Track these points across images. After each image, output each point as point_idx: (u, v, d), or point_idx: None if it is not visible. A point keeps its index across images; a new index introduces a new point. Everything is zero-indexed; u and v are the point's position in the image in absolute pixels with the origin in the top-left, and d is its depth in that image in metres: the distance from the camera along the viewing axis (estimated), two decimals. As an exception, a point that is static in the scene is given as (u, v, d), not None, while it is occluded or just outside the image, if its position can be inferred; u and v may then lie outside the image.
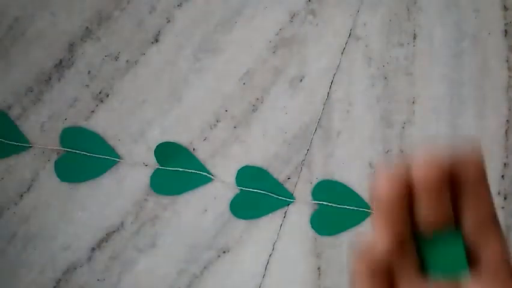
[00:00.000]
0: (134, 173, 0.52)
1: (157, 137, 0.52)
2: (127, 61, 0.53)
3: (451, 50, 0.53)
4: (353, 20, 0.54)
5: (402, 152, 0.52)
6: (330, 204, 0.51)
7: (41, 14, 0.54)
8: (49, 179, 0.52)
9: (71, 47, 0.53)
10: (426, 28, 0.53)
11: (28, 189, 0.52)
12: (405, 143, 0.52)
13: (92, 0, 0.54)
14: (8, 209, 0.52)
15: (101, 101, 0.53)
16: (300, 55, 0.53)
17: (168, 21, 0.54)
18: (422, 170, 0.21)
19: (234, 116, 0.53)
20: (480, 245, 0.22)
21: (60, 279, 0.51)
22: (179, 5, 0.54)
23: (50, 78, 0.53)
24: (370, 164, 0.52)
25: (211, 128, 0.53)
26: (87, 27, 0.54)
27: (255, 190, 0.51)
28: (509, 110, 0.52)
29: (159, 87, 0.53)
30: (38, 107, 0.53)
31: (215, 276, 0.51)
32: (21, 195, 0.52)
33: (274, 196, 0.51)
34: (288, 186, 0.52)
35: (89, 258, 0.52)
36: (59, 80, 0.53)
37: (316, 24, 0.54)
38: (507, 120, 0.52)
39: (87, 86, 0.53)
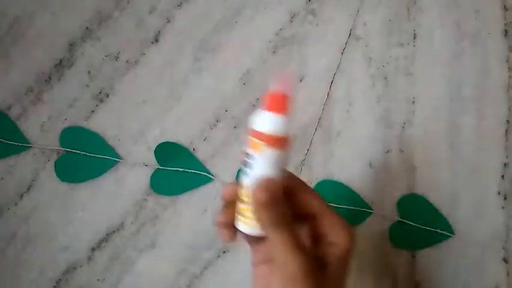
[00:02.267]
0: (134, 173, 0.52)
1: (157, 137, 0.52)
2: (127, 61, 0.53)
3: (451, 50, 0.53)
4: (353, 20, 0.54)
5: (402, 152, 0.52)
6: (330, 204, 0.51)
7: (41, 14, 0.54)
8: (49, 179, 0.52)
9: (71, 47, 0.53)
10: (426, 28, 0.53)
11: (28, 189, 0.52)
12: (405, 143, 0.52)
13: (92, 0, 0.54)
14: (8, 209, 0.52)
15: (101, 101, 0.53)
16: (300, 55, 0.53)
17: (168, 21, 0.54)
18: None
19: (234, 116, 0.53)
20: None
21: (60, 279, 0.51)
22: (179, 5, 0.54)
23: (50, 78, 0.53)
24: (370, 164, 0.52)
25: (211, 128, 0.53)
26: (87, 27, 0.54)
27: (255, 190, 0.51)
28: (509, 110, 0.52)
29: (159, 87, 0.53)
30: (38, 107, 0.53)
31: (215, 276, 0.51)
32: (21, 195, 0.52)
33: (274, 196, 0.51)
34: (288, 186, 0.52)
35: (89, 258, 0.52)
36: (59, 80, 0.53)
37: (316, 24, 0.54)
38: (507, 120, 0.52)
39: (87, 86, 0.53)
